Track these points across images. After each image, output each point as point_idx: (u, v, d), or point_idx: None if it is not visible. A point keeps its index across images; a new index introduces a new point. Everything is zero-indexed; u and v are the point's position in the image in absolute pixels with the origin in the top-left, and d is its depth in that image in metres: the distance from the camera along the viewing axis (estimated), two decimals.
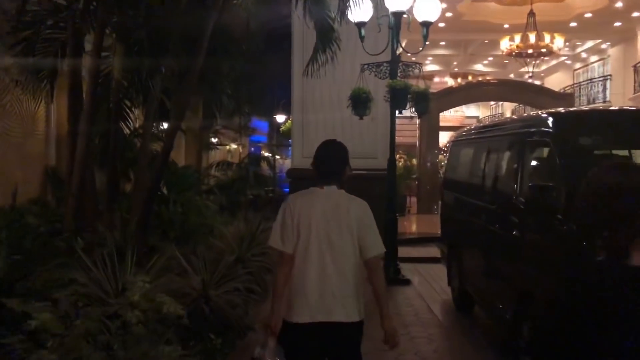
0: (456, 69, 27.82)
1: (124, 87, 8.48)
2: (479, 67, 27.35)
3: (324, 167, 3.10)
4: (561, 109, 6.58)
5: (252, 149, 26.71)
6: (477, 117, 36.21)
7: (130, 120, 8.92)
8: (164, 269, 6.47)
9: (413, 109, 8.05)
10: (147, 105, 8.45)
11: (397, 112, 8.27)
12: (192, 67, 7.11)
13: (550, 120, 4.75)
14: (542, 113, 5.19)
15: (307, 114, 11.92)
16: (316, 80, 11.80)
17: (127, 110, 8.73)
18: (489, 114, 35.64)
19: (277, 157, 22.34)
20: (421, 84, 8.25)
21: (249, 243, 7.43)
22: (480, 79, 23.28)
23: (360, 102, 8.16)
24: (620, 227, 3.65)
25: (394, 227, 8.19)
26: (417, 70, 8.42)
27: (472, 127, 7.61)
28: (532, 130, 4.94)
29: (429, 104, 8.14)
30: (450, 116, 27.88)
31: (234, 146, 24.40)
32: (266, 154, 24.64)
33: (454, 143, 7.84)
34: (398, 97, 7.63)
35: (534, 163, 4.90)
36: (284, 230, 2.96)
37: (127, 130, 9.05)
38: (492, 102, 34.41)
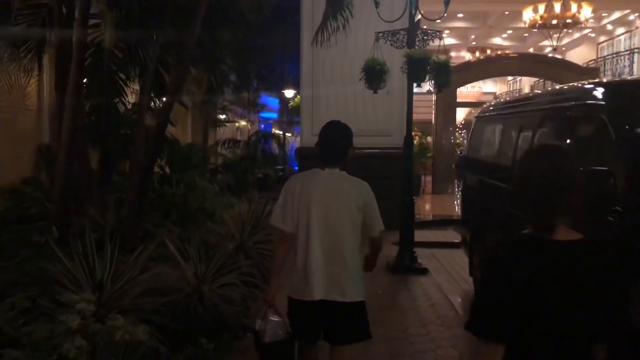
0: (473, 43, 26.76)
1: (117, 59, 7.82)
2: (497, 40, 26.27)
3: (327, 149, 3.12)
4: (615, 79, 5.78)
5: (262, 126, 25.99)
6: (494, 94, 35.16)
7: (125, 95, 8.24)
8: (157, 257, 5.90)
9: (432, 83, 7.28)
10: (143, 78, 7.79)
11: (414, 85, 7.51)
12: (188, 36, 6.42)
13: (603, 91, 3.99)
14: (590, 83, 4.44)
15: (317, 88, 11.17)
16: (326, 52, 11.11)
17: (122, 84, 8.07)
18: (506, 90, 34.55)
19: (288, 134, 21.61)
20: (441, 56, 7.49)
21: (252, 228, 6.79)
22: (499, 53, 22.23)
23: (374, 75, 7.41)
24: None
25: (410, 212, 7.49)
26: (437, 40, 7.63)
27: (501, 100, 6.84)
28: (578, 103, 4.20)
29: (451, 77, 7.36)
30: (467, 92, 26.90)
31: (243, 123, 23.71)
32: (277, 132, 23.95)
33: (479, 119, 7.09)
34: (416, 68, 6.87)
35: (578, 142, 4.17)
36: (285, 210, 3.04)
37: (123, 107, 8.41)
38: (510, 78, 33.30)
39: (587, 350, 1.74)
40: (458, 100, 19.07)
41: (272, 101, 25.71)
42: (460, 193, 7.43)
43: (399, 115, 10.77)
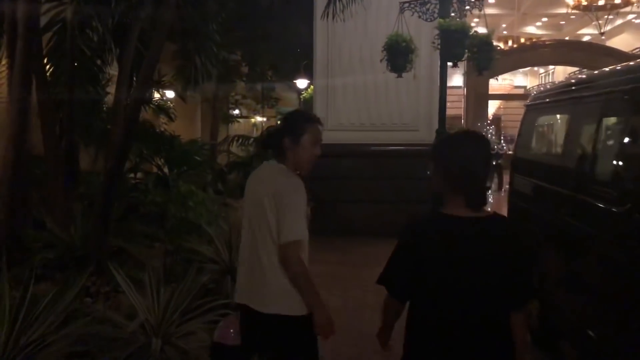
0: (505, 32, 25.03)
1: (89, 40, 6.54)
2: (531, 29, 24.52)
3: (263, 140, 2.87)
4: None
5: (279, 121, 24.64)
6: (524, 87, 33.38)
7: (99, 84, 6.95)
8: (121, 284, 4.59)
9: (471, 63, 5.83)
10: (120, 63, 6.49)
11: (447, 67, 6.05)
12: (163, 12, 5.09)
13: None
14: None
15: (333, 77, 9.74)
16: (343, 36, 9.70)
17: (96, 69, 6.78)
18: (537, 83, 32.74)
19: None
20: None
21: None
22: (534, 40, 20.54)
23: (398, 54, 5.99)
24: None
25: None
26: (476, 11, 6.17)
27: (564, 82, 5.35)
28: None
29: (494, 57, 5.90)
30: (497, 85, 25.26)
31: (259, 119, 22.41)
32: None
33: (532, 108, 5.61)
34: (452, 43, 5.42)
35: None
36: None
37: (99, 96, 7.12)
38: (542, 71, 31.51)
39: (486, 322, 1.89)
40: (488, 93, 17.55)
41: (292, 96, 24.37)
42: (507, 199, 5.93)
43: (427, 106, 9.33)
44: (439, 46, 5.64)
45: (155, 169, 10.45)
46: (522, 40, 23.77)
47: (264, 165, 2.72)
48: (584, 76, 4.54)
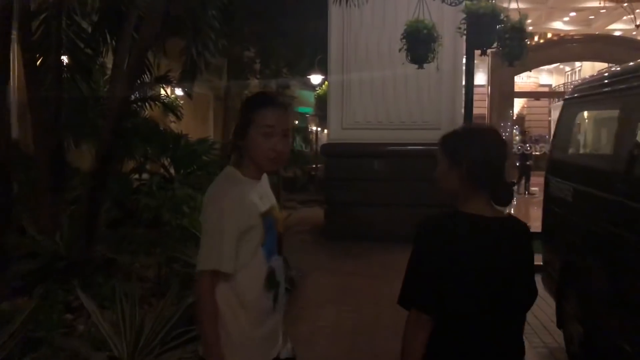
0: (530, 28, 24.09)
1: (81, 29, 6.00)
2: (557, 25, 23.51)
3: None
4: None
5: (297, 121, 24.06)
6: (549, 86, 32.33)
7: (90, 76, 6.40)
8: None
9: (501, 52, 5.17)
10: (116, 54, 5.94)
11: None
12: None
13: None
14: None
15: (348, 72, 9.11)
16: (359, 26, 9.02)
17: (89, 61, 6.24)
18: (563, 82, 31.66)
19: (319, 129, 19.64)
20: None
21: None
22: (562, 35, 19.64)
23: (419, 43, 5.37)
24: None
25: None
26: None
27: (612, 71, 4.65)
28: None
29: (526, 45, 5.25)
30: (522, 83, 24.38)
31: None
32: (313, 128, 22.00)
33: (571, 103, 4.92)
34: (481, 28, 4.77)
35: None
36: None
37: (91, 90, 6.58)
38: (568, 69, 30.45)
39: (510, 327, 1.78)
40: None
41: (308, 94, 23.80)
42: (543, 205, 5.25)
43: (450, 103, 8.66)
44: (465, 32, 4.98)
45: (161, 170, 9.95)
46: (549, 35, 22.85)
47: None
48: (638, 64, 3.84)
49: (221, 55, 8.83)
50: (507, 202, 1.80)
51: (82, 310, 4.61)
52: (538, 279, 5.75)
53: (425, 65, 5.60)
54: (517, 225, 1.85)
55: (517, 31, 5.11)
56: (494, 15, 4.75)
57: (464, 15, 5.07)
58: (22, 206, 6.45)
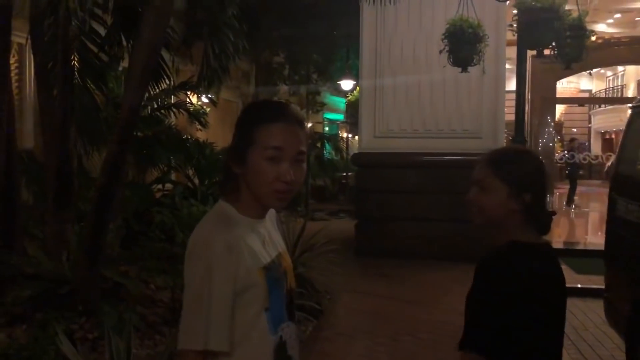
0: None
1: (93, 32, 5.57)
2: (601, 27, 22.53)
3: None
4: None
5: (327, 128, 23.55)
6: (589, 92, 31.18)
7: (104, 82, 5.98)
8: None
9: (556, 53, 4.54)
10: (131, 58, 5.49)
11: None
12: None
13: None
14: None
15: (382, 77, 8.52)
16: (394, 28, 8.39)
17: (103, 66, 5.81)
18: (604, 87, 30.47)
19: (352, 135, 19.09)
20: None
21: None
22: (607, 38, 18.68)
23: (463, 42, 4.77)
24: None
25: None
26: None
27: None
28: None
29: (585, 44, 4.61)
30: (561, 88, 23.41)
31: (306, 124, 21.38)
32: (344, 135, 21.46)
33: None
34: (538, 26, 4.15)
35: None
36: None
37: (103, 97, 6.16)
38: (610, 73, 29.31)
39: None
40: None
41: (339, 101, 23.30)
42: (606, 227, 4.58)
43: (491, 110, 8.02)
44: (517, 31, 4.37)
45: (185, 180, 9.55)
46: (593, 38, 21.89)
47: None
48: None
49: (244, 58, 8.33)
50: (549, 230, 1.71)
51: (85, 342, 4.18)
52: (598, 304, 5.05)
53: (469, 67, 5.00)
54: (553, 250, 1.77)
55: (577, 29, 4.48)
56: (554, 10, 4.12)
57: (514, 12, 4.46)
58: (35, 221, 6.09)
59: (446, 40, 4.93)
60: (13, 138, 4.99)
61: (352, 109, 13.66)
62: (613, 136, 27.74)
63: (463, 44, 4.77)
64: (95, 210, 4.30)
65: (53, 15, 5.03)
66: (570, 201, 13.68)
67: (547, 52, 4.40)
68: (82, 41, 5.45)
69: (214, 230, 1.36)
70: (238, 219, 1.40)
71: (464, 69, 4.93)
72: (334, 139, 16.34)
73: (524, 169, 1.64)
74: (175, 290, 4.87)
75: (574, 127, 31.53)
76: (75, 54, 5.38)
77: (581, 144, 28.40)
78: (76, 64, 5.36)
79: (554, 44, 4.37)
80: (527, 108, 15.49)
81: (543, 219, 1.69)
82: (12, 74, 7.23)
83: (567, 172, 14.07)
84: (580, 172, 14.14)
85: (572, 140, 15.38)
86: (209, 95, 8.75)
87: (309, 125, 19.27)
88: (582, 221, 12.81)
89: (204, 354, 1.32)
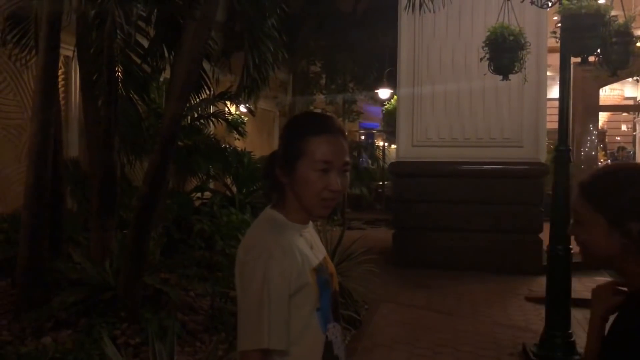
0: None
1: (137, 44, 5.72)
2: None
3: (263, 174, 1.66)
4: None
5: (363, 137, 23.51)
6: (634, 99, 30.24)
7: (146, 92, 6.10)
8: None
9: (601, 59, 4.43)
10: (173, 69, 5.60)
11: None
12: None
13: None
14: None
15: (420, 85, 8.46)
16: (432, 35, 8.33)
17: (146, 77, 5.95)
18: None
19: (391, 145, 18.97)
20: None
21: None
22: None
23: (504, 51, 4.70)
24: None
25: (565, 268, 4.56)
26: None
27: None
28: None
29: (632, 50, 4.49)
30: (604, 95, 22.76)
31: None
32: (381, 143, 21.37)
33: None
34: (582, 32, 4.05)
35: None
36: None
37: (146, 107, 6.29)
38: None
39: None
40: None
41: (375, 110, 23.26)
42: None
43: (532, 117, 7.89)
44: (560, 38, 4.28)
45: (224, 189, 9.67)
46: (638, 44, 21.26)
47: None
48: None
49: (281, 67, 8.37)
50: None
51: (127, 347, 4.25)
52: None
53: (511, 75, 4.92)
54: None
55: (623, 35, 4.36)
56: (599, 15, 4.02)
57: (555, 18, 4.38)
58: (80, 228, 6.24)
59: (486, 48, 4.86)
60: (60, 148, 5.13)
61: (389, 117, 13.58)
62: None
63: (504, 52, 4.69)
64: (137, 218, 4.38)
65: (99, 28, 5.18)
66: None
67: (591, 59, 4.28)
68: (126, 53, 5.60)
69: (268, 235, 1.43)
70: (287, 224, 1.47)
71: (505, 77, 4.85)
72: (370, 147, 16.28)
73: (627, 194, 1.29)
74: (214, 297, 4.92)
75: (618, 136, 30.63)
76: (119, 65, 5.53)
77: (627, 152, 27.56)
78: (120, 75, 5.51)
79: (598, 50, 4.25)
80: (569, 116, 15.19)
81: None
82: (59, 85, 7.50)
83: None
84: None
85: (621, 149, 14.91)
86: (247, 105, 8.81)
87: (351, 134, 19.31)
88: None
89: (264, 354, 1.37)
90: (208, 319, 4.89)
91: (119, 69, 5.54)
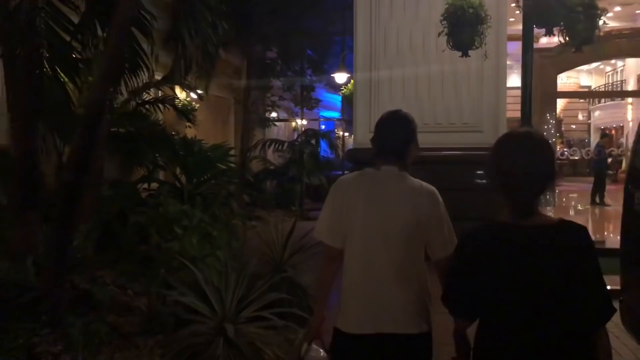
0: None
1: (65, 19, 5.15)
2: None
3: (383, 144, 2.47)
4: None
5: (323, 126, 23.14)
6: (589, 87, 30.80)
7: (77, 73, 5.52)
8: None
9: (564, 33, 4.15)
10: (105, 49, 5.05)
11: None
12: None
13: None
14: None
15: (377, 70, 8.11)
16: (389, 18, 7.96)
17: (76, 56, 5.38)
18: (603, 82, 30.10)
19: (348, 134, 18.68)
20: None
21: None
22: (607, 30, 18.30)
23: (464, 24, 4.37)
24: None
25: None
26: None
27: None
28: None
29: (597, 25, 4.23)
30: (561, 84, 23.03)
31: (300, 122, 20.99)
32: (340, 133, 21.06)
33: None
34: (545, 2, 3.75)
35: None
36: (331, 220, 2.44)
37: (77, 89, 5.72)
38: (609, 69, 28.93)
39: (564, 342, 1.70)
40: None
41: (335, 98, 22.95)
42: (622, 223, 4.21)
43: (492, 101, 7.62)
44: (523, 8, 3.97)
45: (172, 179, 9.14)
46: (602, 21, 21.48)
47: (384, 172, 2.40)
48: None
49: (232, 51, 7.88)
50: (523, 215, 1.79)
51: (48, 356, 3.77)
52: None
53: (462, 59, 4.60)
54: (566, 232, 1.79)
55: (588, 8, 4.09)
56: None
57: None
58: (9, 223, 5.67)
59: (445, 22, 4.54)
60: None
61: (348, 105, 13.25)
62: (613, 132, 27.38)
63: (463, 26, 4.38)
64: (60, 210, 3.89)
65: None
66: (602, 198, 13.10)
67: (556, 32, 4.00)
68: (52, 28, 5.03)
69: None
70: None
71: (465, 53, 4.54)
72: (329, 136, 15.93)
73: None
74: (151, 296, 4.46)
75: (573, 124, 31.19)
76: (45, 41, 4.98)
77: (581, 140, 28.02)
78: (45, 53, 4.95)
79: (562, 23, 3.97)
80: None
81: (514, 203, 1.82)
82: None
83: (593, 168, 13.62)
84: (608, 171, 13.57)
85: (604, 135, 14.95)
86: (198, 91, 8.31)
87: (304, 122, 18.94)
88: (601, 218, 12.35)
89: None
90: (145, 320, 4.43)
91: (45, 45, 4.97)
